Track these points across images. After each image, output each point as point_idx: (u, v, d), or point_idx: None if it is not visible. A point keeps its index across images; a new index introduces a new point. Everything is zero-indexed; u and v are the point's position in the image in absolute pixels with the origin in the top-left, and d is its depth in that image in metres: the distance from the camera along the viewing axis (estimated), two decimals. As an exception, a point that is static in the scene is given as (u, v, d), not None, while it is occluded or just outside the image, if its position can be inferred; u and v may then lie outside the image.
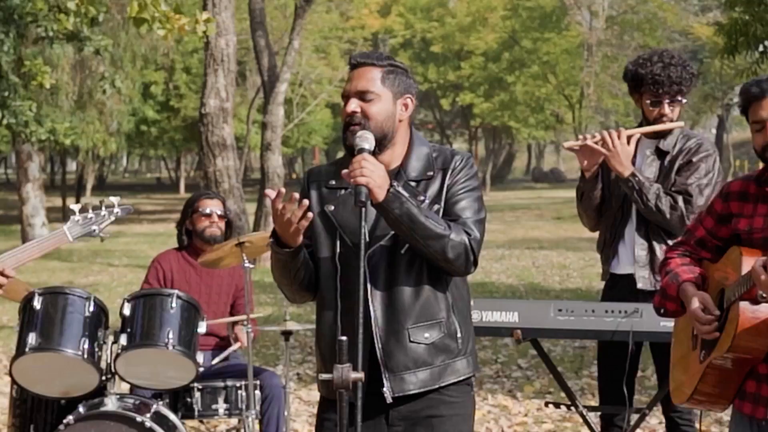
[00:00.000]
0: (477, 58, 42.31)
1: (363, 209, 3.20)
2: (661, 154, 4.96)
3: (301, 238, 3.37)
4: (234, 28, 15.77)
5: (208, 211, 6.05)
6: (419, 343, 3.40)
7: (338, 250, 3.44)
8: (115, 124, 29.56)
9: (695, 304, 3.47)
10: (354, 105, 3.43)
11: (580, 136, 5.03)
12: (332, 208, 3.48)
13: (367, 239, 3.28)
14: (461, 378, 3.48)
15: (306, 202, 3.31)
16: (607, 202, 5.07)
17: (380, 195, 3.28)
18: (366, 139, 3.35)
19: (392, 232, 3.38)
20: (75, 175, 42.69)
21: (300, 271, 3.46)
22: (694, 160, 4.86)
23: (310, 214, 3.31)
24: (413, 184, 3.45)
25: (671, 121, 4.94)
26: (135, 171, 78.32)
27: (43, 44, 16.63)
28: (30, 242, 4.32)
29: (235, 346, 6.02)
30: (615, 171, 4.87)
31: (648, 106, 4.94)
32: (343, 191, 3.49)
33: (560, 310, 4.86)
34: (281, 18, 33.86)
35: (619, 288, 5.02)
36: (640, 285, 4.90)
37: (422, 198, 3.42)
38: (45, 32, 15.01)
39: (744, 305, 3.27)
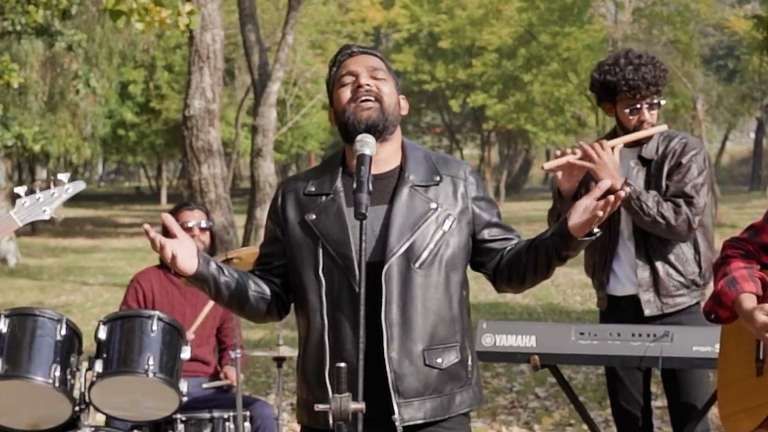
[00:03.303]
0: (490, 55, 42.32)
1: (363, 222, 3.20)
2: (644, 162, 5.01)
3: (187, 265, 3.39)
4: (221, 21, 15.83)
5: (189, 224, 6.06)
6: (433, 368, 3.43)
7: (321, 262, 3.45)
8: (89, 128, 29.60)
9: (761, 318, 3.42)
10: (367, 78, 3.49)
11: (557, 152, 5.01)
12: (313, 217, 3.49)
13: (367, 254, 3.28)
14: (466, 410, 3.52)
15: (165, 216, 3.40)
16: None
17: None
18: (367, 144, 3.36)
19: (407, 245, 3.40)
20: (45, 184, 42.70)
21: (222, 292, 3.49)
22: (684, 161, 4.92)
23: (174, 240, 3.37)
24: (421, 189, 3.49)
25: (652, 125, 4.98)
26: (111, 179, 78.36)
27: (10, 39, 16.69)
28: None
29: (224, 382, 6.00)
30: None
31: (626, 115, 4.97)
32: (323, 198, 3.51)
33: (582, 334, 4.87)
34: (273, 10, 33.95)
35: (623, 310, 5.03)
36: (647, 312, 4.93)
37: (434, 206, 3.46)
38: (12, 26, 15.04)
39: None
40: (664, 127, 5.02)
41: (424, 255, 3.42)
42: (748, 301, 3.47)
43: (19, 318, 5.14)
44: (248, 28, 20.09)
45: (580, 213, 3.34)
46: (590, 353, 4.85)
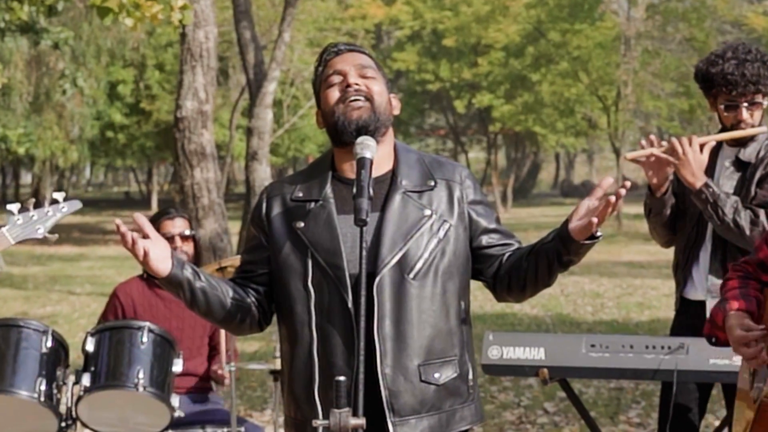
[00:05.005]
0: (496, 54, 42.31)
1: (363, 229, 3.19)
2: (741, 165, 4.94)
3: (160, 266, 3.39)
4: (215, 18, 15.83)
5: (169, 234, 6.00)
6: (430, 384, 3.40)
7: (310, 272, 3.42)
8: (76, 130, 29.64)
9: (737, 331, 3.49)
10: (356, 76, 3.47)
11: (643, 142, 4.97)
12: (302, 224, 3.46)
13: (365, 264, 3.26)
14: (466, 428, 3.50)
15: (137, 215, 3.41)
16: (681, 219, 5.07)
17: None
18: (367, 147, 3.34)
19: (400, 255, 3.39)
20: (30, 188, 42.73)
21: (198, 298, 3.48)
22: None
23: (147, 241, 3.39)
24: (415, 195, 3.47)
25: (751, 126, 4.92)
26: (100, 184, 78.47)
27: (-6, 37, 16.69)
28: None
29: (219, 377, 6.01)
30: (685, 182, 4.84)
31: (723, 111, 4.93)
32: (312, 204, 3.48)
33: (593, 346, 4.87)
34: (269, 7, 33.95)
35: (690, 315, 4.99)
36: None
37: (428, 213, 3.44)
38: (-5, 23, 15.07)
39: None
40: (764, 129, 4.93)
41: (419, 265, 3.40)
42: (733, 318, 3.53)
43: (2, 329, 5.14)
44: (243, 25, 20.11)
45: (581, 215, 3.33)
46: (602, 366, 4.85)
